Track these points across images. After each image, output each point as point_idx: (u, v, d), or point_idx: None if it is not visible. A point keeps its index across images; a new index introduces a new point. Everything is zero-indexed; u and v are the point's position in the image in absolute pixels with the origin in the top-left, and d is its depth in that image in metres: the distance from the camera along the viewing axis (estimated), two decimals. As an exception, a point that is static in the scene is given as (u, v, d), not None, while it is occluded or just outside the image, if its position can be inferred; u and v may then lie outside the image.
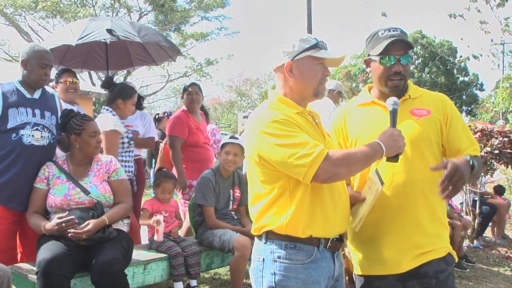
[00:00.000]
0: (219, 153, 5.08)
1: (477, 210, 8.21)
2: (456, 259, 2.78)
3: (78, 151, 4.01)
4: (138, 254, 4.40)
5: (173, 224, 4.86)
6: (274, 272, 2.33)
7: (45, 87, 4.23)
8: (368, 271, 2.70)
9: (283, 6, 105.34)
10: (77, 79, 5.36)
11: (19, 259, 4.08)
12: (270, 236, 2.37)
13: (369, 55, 2.75)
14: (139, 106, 5.99)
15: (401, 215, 2.60)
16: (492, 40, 10.12)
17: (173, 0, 24.76)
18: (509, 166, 7.78)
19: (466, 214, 8.20)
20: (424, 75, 38.52)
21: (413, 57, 38.52)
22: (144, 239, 5.27)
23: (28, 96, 4.01)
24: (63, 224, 3.57)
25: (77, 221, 3.61)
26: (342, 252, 2.79)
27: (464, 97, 38.54)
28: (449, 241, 2.76)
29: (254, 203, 2.43)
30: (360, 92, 2.99)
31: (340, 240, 2.48)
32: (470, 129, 7.43)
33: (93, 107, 16.63)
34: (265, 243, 2.39)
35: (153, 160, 7.91)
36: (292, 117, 2.33)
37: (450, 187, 2.32)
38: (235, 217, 5.10)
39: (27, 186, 3.92)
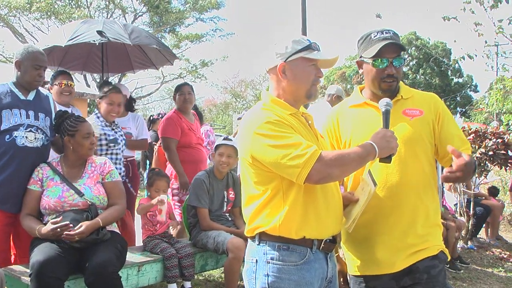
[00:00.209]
0: (213, 154, 5.08)
1: (471, 211, 8.24)
2: (449, 257, 2.80)
3: (72, 153, 4.00)
4: (132, 256, 4.40)
5: (167, 224, 4.87)
6: (267, 274, 2.33)
7: (39, 88, 4.21)
8: (362, 271, 2.71)
9: (278, 8, 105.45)
10: (73, 82, 5.34)
11: (12, 261, 4.07)
12: (263, 237, 2.37)
13: (361, 56, 2.76)
14: (130, 107, 5.98)
15: (395, 215, 2.61)
16: (486, 42, 10.15)
17: (167, 2, 24.75)
18: (503, 167, 7.81)
19: (460, 215, 8.23)
20: (418, 77, 38.57)
21: (408, 59, 38.61)
22: (138, 241, 5.26)
23: (22, 97, 4.00)
24: (58, 229, 3.56)
25: (71, 225, 3.59)
26: (336, 254, 2.80)
27: (458, 98, 38.59)
28: (442, 239, 2.78)
29: (248, 204, 2.43)
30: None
31: (333, 241, 2.47)
32: (464, 131, 7.55)
33: (88, 109, 16.57)
34: (258, 244, 2.39)
35: (147, 162, 7.90)
36: (285, 118, 2.34)
37: (456, 175, 2.35)
38: (229, 219, 5.10)
39: (21, 188, 3.90)
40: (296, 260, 2.33)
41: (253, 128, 2.31)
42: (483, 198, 9.14)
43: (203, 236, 4.75)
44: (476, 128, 8.03)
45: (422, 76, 38.51)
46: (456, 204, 8.41)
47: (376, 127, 2.47)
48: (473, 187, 8.45)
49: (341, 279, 2.92)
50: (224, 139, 5.07)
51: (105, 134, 4.86)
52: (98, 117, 4.97)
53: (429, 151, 2.69)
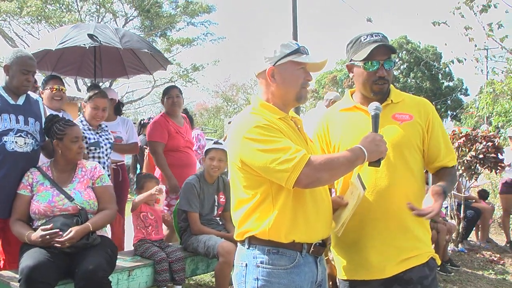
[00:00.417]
0: (203, 158, 5.07)
1: (462, 214, 8.28)
2: (439, 262, 2.80)
3: (61, 157, 3.99)
4: (122, 261, 4.38)
5: (159, 228, 4.86)
6: (257, 277, 2.33)
7: (29, 92, 4.19)
8: (352, 275, 2.70)
9: (269, 12, 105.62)
10: (64, 87, 5.33)
11: (1, 267, 4.04)
12: (252, 241, 2.37)
13: (351, 60, 2.75)
14: (118, 111, 5.96)
15: (385, 219, 2.61)
16: (476, 46, 10.22)
17: (158, 6, 24.74)
18: (493, 170, 7.85)
19: (451, 218, 8.26)
20: (409, 80, 38.76)
21: (398, 62, 38.78)
22: (128, 246, 5.25)
23: (12, 102, 3.98)
24: (47, 237, 3.54)
25: (61, 232, 3.57)
26: (326, 258, 2.80)
27: (449, 102, 38.84)
28: (431, 243, 2.79)
29: (237, 208, 2.43)
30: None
31: (322, 245, 2.48)
32: (454, 134, 7.59)
33: (79, 113, 16.52)
34: (248, 248, 2.39)
35: (138, 166, 7.90)
36: (274, 123, 2.34)
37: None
38: (220, 223, 5.10)
39: (11, 193, 3.88)
40: (286, 264, 2.34)
41: (242, 133, 2.31)
42: (474, 201, 9.18)
43: (194, 240, 4.74)
44: (467, 131, 8.07)
45: (413, 80, 38.71)
46: (447, 207, 8.44)
47: (365, 131, 2.48)
48: (463, 190, 8.49)
49: (331, 283, 2.92)
50: (215, 143, 5.07)
51: (85, 137, 4.84)
52: (81, 121, 4.96)
53: (417, 155, 2.70)
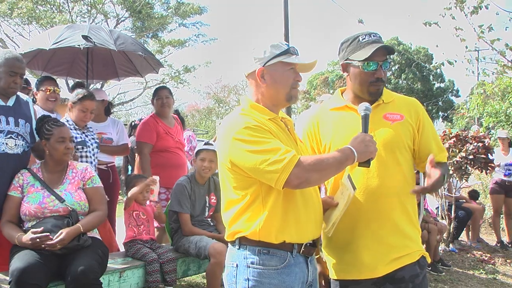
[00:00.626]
0: (194, 160, 5.07)
1: (453, 215, 8.31)
2: (429, 260, 2.81)
3: (49, 157, 3.98)
4: (113, 262, 4.37)
5: (151, 228, 4.87)
6: (248, 278, 2.34)
7: (19, 94, 4.17)
8: (343, 275, 2.70)
9: (261, 13, 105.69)
10: (58, 88, 5.32)
11: (-8, 269, 4.02)
12: (243, 242, 2.37)
13: (347, 59, 2.74)
14: (107, 112, 5.94)
15: (376, 218, 2.62)
16: (466, 47, 10.27)
17: (150, 7, 24.64)
18: (483, 170, 7.89)
19: (442, 218, 8.30)
20: (400, 82, 38.88)
21: (390, 63, 38.86)
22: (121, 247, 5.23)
23: (2, 103, 3.95)
24: (38, 240, 3.53)
25: (51, 237, 3.56)
26: (317, 256, 2.81)
27: (440, 103, 38.99)
28: (421, 242, 2.80)
29: (227, 209, 2.44)
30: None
31: (313, 245, 2.49)
32: (445, 135, 7.63)
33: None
34: (238, 249, 2.39)
35: (129, 167, 7.88)
36: (264, 123, 2.35)
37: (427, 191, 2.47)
38: (211, 224, 5.10)
39: (1, 195, 3.86)
40: (277, 264, 2.34)
41: (231, 134, 2.31)
42: (464, 201, 9.24)
43: (185, 241, 4.74)
44: (457, 132, 8.12)
45: (404, 81, 38.84)
46: (438, 207, 8.48)
47: (356, 130, 2.49)
48: (454, 190, 8.53)
49: (322, 281, 2.93)
50: (205, 144, 5.07)
51: (72, 136, 4.82)
52: (67, 120, 4.91)
53: (408, 155, 2.71)
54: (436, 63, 10.71)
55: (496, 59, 10.90)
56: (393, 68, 39.51)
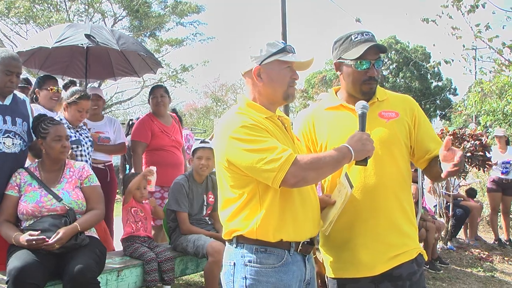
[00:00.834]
0: (191, 159, 5.07)
1: (451, 213, 8.32)
2: (426, 258, 2.82)
3: (46, 156, 3.97)
4: (111, 261, 4.37)
5: (148, 225, 4.87)
6: (245, 276, 2.34)
7: (16, 92, 4.16)
8: (341, 274, 2.70)
9: (258, 12, 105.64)
10: (60, 88, 5.32)
11: (-11, 268, 4.01)
12: (240, 240, 2.38)
13: (340, 58, 2.74)
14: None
15: (374, 216, 2.62)
16: (464, 46, 10.28)
17: (147, 6, 24.60)
18: (481, 168, 7.89)
19: (440, 216, 8.32)
20: (398, 80, 38.89)
21: (388, 62, 38.91)
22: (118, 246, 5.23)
23: (-1, 102, 3.95)
24: (34, 242, 3.51)
25: (47, 239, 3.54)
26: (314, 256, 2.81)
27: (438, 101, 39.01)
28: (418, 240, 2.80)
29: (224, 208, 2.44)
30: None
31: (310, 244, 2.49)
32: (442, 133, 7.63)
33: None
34: (236, 247, 2.40)
35: (127, 166, 7.87)
36: (260, 122, 2.35)
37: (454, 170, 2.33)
38: (209, 223, 5.10)
39: (-2, 194, 3.85)
40: (274, 263, 2.35)
41: (228, 132, 2.31)
42: (462, 199, 9.25)
43: (183, 240, 4.74)
44: (454, 130, 8.12)
45: (402, 80, 38.84)
46: (436, 205, 8.49)
47: (352, 129, 2.48)
48: (451, 188, 8.54)
49: (319, 281, 2.93)
50: (201, 142, 5.07)
51: (68, 135, 4.81)
52: (61, 119, 4.85)
53: (405, 152, 2.71)
54: (434, 62, 10.72)
55: (493, 57, 10.92)
56: (390, 67, 39.54)
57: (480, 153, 7.58)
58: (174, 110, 7.04)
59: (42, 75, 5.87)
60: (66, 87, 5.12)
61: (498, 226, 9.71)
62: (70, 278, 3.46)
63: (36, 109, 4.81)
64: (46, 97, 5.15)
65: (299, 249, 2.41)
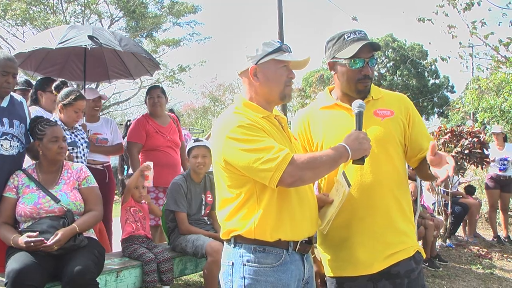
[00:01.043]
0: (187, 159, 5.07)
1: (449, 210, 8.33)
2: (424, 256, 2.82)
3: (43, 158, 3.97)
4: (110, 262, 4.37)
5: (147, 225, 4.87)
6: (244, 276, 2.34)
7: (13, 94, 4.15)
8: (339, 272, 2.70)
9: (255, 12, 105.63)
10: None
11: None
12: (238, 240, 2.38)
13: (334, 57, 2.75)
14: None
15: (372, 214, 2.62)
16: (460, 43, 10.30)
17: (144, 6, 24.58)
18: (479, 166, 7.90)
19: (439, 214, 8.33)
20: (396, 78, 38.87)
21: (385, 60, 38.91)
22: (117, 247, 5.23)
23: (-4, 104, 3.94)
24: (32, 244, 3.51)
25: (46, 241, 3.54)
26: (313, 255, 2.81)
27: (435, 99, 39.00)
28: (416, 238, 2.81)
29: (222, 207, 2.44)
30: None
31: (309, 243, 2.49)
32: (440, 131, 7.64)
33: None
34: (234, 247, 2.40)
35: (125, 167, 7.87)
36: (257, 122, 2.35)
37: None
38: (208, 222, 5.09)
39: (-3, 196, 3.84)
40: (272, 262, 2.35)
41: (225, 132, 2.31)
42: (461, 196, 9.26)
43: (182, 240, 4.74)
44: (452, 127, 8.13)
45: (400, 78, 38.83)
46: (434, 203, 8.50)
47: (348, 128, 2.49)
48: (450, 185, 8.55)
49: (319, 280, 2.92)
50: (195, 141, 5.07)
51: (64, 136, 4.81)
52: (55, 121, 4.84)
53: (400, 150, 2.72)
54: (430, 59, 10.76)
55: (490, 54, 10.93)
56: (388, 65, 39.54)
57: (478, 150, 7.59)
58: (171, 110, 7.04)
59: (44, 77, 5.85)
60: (58, 88, 5.08)
61: (497, 223, 9.73)
62: (69, 280, 3.46)
63: (37, 111, 4.81)
64: (49, 100, 5.14)
65: (297, 248, 2.41)
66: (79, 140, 4.95)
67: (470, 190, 9.87)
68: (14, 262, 3.39)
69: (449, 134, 7.78)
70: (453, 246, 8.30)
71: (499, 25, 9.99)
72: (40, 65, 6.66)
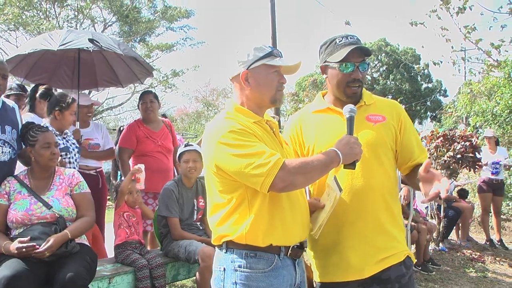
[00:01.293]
0: (178, 164, 5.06)
1: (442, 214, 8.35)
2: (414, 261, 2.83)
3: (35, 164, 3.95)
4: (103, 268, 4.34)
5: (140, 230, 4.86)
6: (235, 282, 2.34)
7: (5, 100, 4.13)
8: (329, 278, 2.70)
9: (248, 16, 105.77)
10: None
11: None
12: (230, 245, 2.38)
13: (325, 61, 2.76)
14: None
15: (362, 219, 2.63)
16: (452, 47, 10.36)
17: (137, 11, 24.53)
18: (471, 169, 7.95)
19: (432, 217, 8.34)
20: (389, 82, 38.97)
21: (378, 65, 39.03)
22: (109, 251, 5.21)
23: (-13, 110, 3.92)
24: (24, 250, 3.49)
25: (38, 246, 3.52)
26: (306, 260, 2.81)
27: (428, 103, 39.13)
28: (405, 242, 2.82)
29: (213, 213, 2.44)
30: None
31: (300, 248, 2.49)
32: (433, 135, 7.68)
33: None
34: (225, 252, 2.40)
35: (119, 172, 7.86)
36: (249, 127, 2.35)
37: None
38: (201, 228, 5.07)
39: (-13, 203, 3.82)
40: (264, 267, 2.34)
41: (216, 138, 2.31)
42: (454, 200, 9.28)
43: (175, 245, 4.73)
44: (444, 131, 8.17)
45: (393, 82, 38.93)
46: (427, 207, 8.52)
47: (339, 132, 2.50)
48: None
49: (306, 286, 2.92)
50: (185, 146, 5.06)
51: (56, 142, 4.80)
52: (47, 127, 4.84)
53: (391, 155, 2.73)
54: (422, 64, 10.85)
55: (482, 58, 11.00)
56: (381, 69, 39.65)
57: (470, 154, 7.64)
58: (164, 115, 7.03)
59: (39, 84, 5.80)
60: (44, 96, 5.05)
61: (490, 227, 9.76)
62: (60, 286, 3.43)
63: (30, 118, 4.78)
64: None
65: (288, 253, 2.41)
66: (71, 145, 4.94)
67: (463, 193, 9.90)
68: (6, 269, 3.36)
69: (442, 138, 7.84)
70: (446, 249, 8.32)
71: (489, 29, 10.06)
72: (30, 72, 6.58)
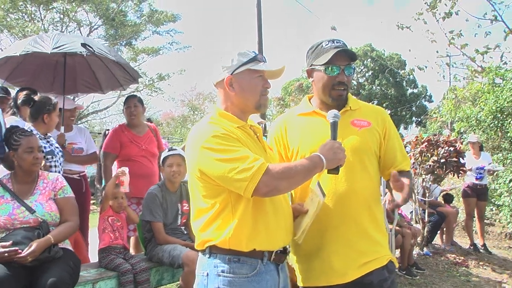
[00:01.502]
0: (162, 169, 5.04)
1: (426, 218, 8.39)
2: (397, 265, 2.84)
3: (18, 168, 3.92)
4: (86, 273, 4.31)
5: (124, 235, 4.83)
6: (218, 286, 2.33)
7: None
8: (313, 282, 2.71)
9: (234, 20, 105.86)
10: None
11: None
12: (213, 250, 2.37)
13: (311, 65, 2.78)
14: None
15: (346, 223, 2.64)
16: (437, 52, 10.45)
17: (123, 15, 24.45)
18: (455, 174, 8.01)
19: (416, 222, 8.38)
20: (374, 87, 39.18)
21: (364, 70, 39.23)
22: (92, 256, 5.17)
23: (-30, 114, 3.89)
24: (6, 254, 3.46)
25: (20, 250, 3.49)
26: (289, 264, 2.81)
27: (414, 108, 39.38)
28: (388, 247, 2.83)
29: (197, 218, 2.43)
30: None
31: (284, 252, 2.49)
32: (417, 140, 7.73)
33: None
34: (208, 257, 2.39)
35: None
36: (232, 132, 2.35)
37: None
38: (185, 232, 5.06)
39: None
40: (247, 272, 2.34)
41: (200, 142, 2.31)
42: (439, 205, 9.34)
43: (159, 250, 4.71)
44: (428, 136, 8.23)
45: (378, 87, 39.15)
46: (412, 211, 8.56)
47: (324, 136, 2.51)
48: (427, 194, 8.62)
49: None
50: (169, 150, 5.05)
51: (41, 146, 4.76)
52: (31, 130, 4.80)
53: (375, 161, 2.75)
54: (408, 69, 10.94)
55: (466, 64, 11.10)
56: (367, 74, 39.85)
57: (454, 159, 7.70)
58: (149, 120, 7.00)
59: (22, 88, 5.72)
60: (26, 102, 4.98)
61: (474, 231, 9.83)
62: (43, 291, 3.41)
63: (15, 122, 4.74)
64: None
65: (272, 258, 2.41)
66: (55, 148, 4.91)
67: (448, 198, 9.97)
68: (-13, 275, 3.33)
69: (426, 143, 7.89)
70: (430, 254, 8.36)
71: (474, 36, 10.17)
72: (11, 75, 6.45)
